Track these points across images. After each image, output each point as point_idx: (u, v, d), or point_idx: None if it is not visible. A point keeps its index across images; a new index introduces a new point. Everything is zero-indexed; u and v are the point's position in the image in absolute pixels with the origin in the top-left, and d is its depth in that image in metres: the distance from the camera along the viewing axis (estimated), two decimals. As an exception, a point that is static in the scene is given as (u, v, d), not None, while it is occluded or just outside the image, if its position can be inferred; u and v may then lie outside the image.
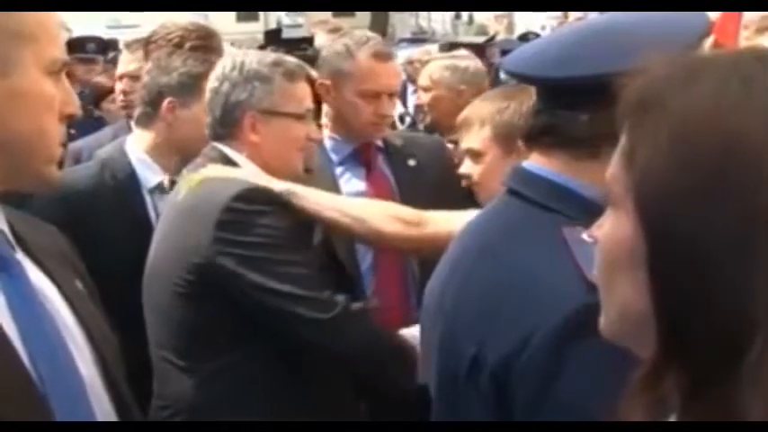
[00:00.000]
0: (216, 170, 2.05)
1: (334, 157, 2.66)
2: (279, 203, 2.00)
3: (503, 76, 5.29)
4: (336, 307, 1.95)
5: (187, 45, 2.79)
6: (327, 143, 2.64)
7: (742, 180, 0.71)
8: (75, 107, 1.27)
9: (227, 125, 2.11)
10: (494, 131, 2.18)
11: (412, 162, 2.67)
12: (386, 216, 2.09)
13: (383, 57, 2.60)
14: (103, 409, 1.26)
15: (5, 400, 1.10)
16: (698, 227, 0.72)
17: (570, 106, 1.24)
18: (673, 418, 0.76)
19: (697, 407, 0.73)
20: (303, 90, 2.15)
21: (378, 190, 2.59)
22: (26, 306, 1.19)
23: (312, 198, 2.08)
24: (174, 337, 2.02)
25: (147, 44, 2.94)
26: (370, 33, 2.75)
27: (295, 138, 2.13)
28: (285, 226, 1.98)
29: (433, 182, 2.62)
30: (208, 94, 2.15)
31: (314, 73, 2.21)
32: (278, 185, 2.05)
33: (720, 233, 0.71)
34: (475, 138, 2.25)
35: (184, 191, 2.06)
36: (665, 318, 0.75)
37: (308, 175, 2.27)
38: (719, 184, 0.71)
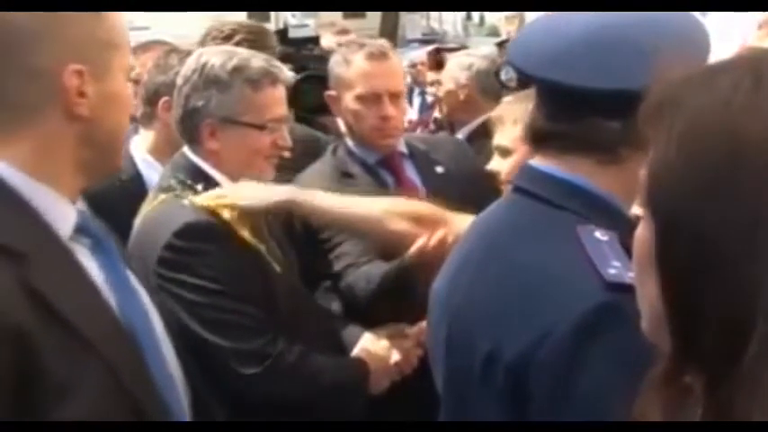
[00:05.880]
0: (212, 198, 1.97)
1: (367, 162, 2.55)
2: (224, 238, 1.94)
3: (504, 76, 5.24)
4: (267, 360, 1.90)
5: (236, 38, 2.82)
6: (354, 150, 2.55)
7: (749, 179, 0.71)
8: (134, 107, 1.38)
9: (188, 129, 2.05)
10: None
11: (440, 169, 2.58)
12: (400, 214, 2.00)
13: (377, 56, 2.50)
14: (179, 380, 1.37)
15: (128, 371, 1.21)
16: (704, 225, 0.72)
17: (597, 113, 1.20)
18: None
19: (713, 406, 0.74)
20: (267, 98, 2.03)
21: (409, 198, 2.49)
22: (121, 283, 1.31)
23: (318, 204, 2.03)
24: None
25: (203, 38, 2.97)
26: (369, 40, 2.67)
27: (256, 148, 2.03)
28: (225, 267, 1.92)
29: (462, 189, 2.49)
30: (174, 92, 2.08)
31: (290, 75, 2.09)
32: (281, 194, 2.01)
33: (727, 231, 0.71)
34: (507, 135, 2.25)
35: (141, 216, 2.03)
36: (674, 315, 0.76)
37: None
38: (726, 183, 0.72)
